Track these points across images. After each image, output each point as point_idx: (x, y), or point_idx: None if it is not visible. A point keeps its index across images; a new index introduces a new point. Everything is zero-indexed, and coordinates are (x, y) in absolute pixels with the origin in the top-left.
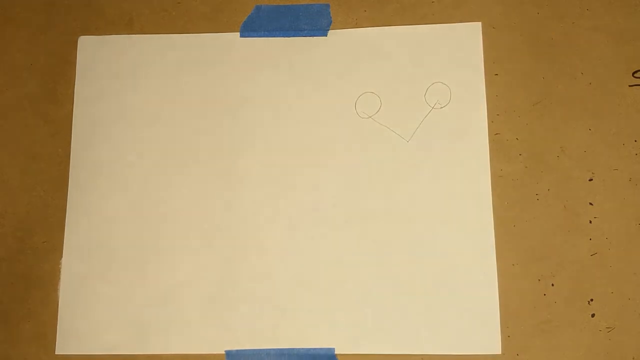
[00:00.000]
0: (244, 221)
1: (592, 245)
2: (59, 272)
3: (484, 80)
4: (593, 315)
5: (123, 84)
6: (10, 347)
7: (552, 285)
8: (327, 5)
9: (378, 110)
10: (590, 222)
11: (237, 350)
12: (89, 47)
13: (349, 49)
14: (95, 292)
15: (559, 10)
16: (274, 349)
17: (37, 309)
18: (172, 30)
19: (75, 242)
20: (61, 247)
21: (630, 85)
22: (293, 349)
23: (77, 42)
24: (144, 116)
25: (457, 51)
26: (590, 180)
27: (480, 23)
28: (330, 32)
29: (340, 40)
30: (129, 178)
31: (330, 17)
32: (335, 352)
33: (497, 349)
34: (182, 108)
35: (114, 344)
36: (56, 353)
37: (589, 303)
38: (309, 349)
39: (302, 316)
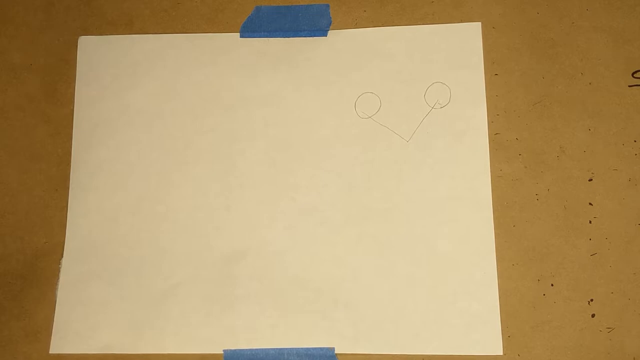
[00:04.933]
0: (244, 221)
1: (592, 245)
2: (58, 271)
3: (483, 80)
4: (593, 316)
5: (123, 84)
6: (1, 346)
7: (552, 285)
8: (327, 6)
9: (378, 111)
10: (590, 222)
11: (235, 350)
12: (89, 47)
13: (349, 49)
14: (93, 292)
15: (559, 10)
16: (272, 349)
17: (33, 309)
18: (172, 30)
19: (75, 242)
20: (61, 247)
21: (630, 86)
22: (292, 348)
23: (77, 42)
24: (144, 116)
25: (457, 51)
26: (590, 180)
27: (480, 23)
28: (330, 32)
29: (340, 40)
30: (129, 178)
31: (330, 17)
32: (335, 352)
33: (498, 350)
34: (182, 108)
35: (110, 343)
36: (50, 352)
37: (589, 303)
38: (308, 349)
39: (301, 316)
